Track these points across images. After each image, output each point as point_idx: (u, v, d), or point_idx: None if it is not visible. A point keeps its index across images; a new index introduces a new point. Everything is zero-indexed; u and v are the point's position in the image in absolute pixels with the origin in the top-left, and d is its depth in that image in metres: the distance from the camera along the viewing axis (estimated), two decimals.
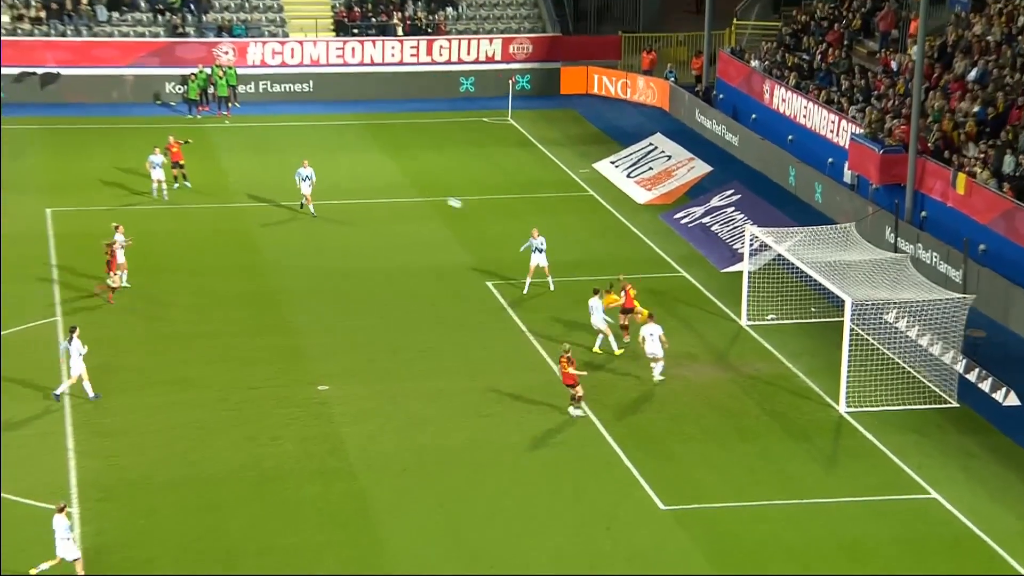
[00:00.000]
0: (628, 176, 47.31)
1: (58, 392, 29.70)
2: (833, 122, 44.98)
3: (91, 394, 29.82)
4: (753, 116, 50.40)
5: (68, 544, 23.38)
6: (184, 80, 53.76)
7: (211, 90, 53.25)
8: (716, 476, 27.64)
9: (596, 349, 32.87)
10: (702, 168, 46.98)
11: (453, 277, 37.89)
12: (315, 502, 26.23)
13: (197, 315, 34.84)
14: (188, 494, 26.25)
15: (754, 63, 51.31)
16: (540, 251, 36.03)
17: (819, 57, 48.68)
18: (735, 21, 57.70)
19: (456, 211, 40.89)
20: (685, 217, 43.03)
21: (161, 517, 25.45)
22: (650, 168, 47.59)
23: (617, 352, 32.73)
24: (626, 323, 33.19)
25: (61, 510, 23.54)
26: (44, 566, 23.36)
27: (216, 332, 33.86)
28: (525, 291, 36.25)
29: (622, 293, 33.28)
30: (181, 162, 43.47)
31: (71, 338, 29.79)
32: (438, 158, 49.47)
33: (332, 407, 30.10)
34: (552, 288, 36.36)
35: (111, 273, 34.85)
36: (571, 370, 29.68)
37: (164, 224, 40.24)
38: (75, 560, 23.37)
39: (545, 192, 45.86)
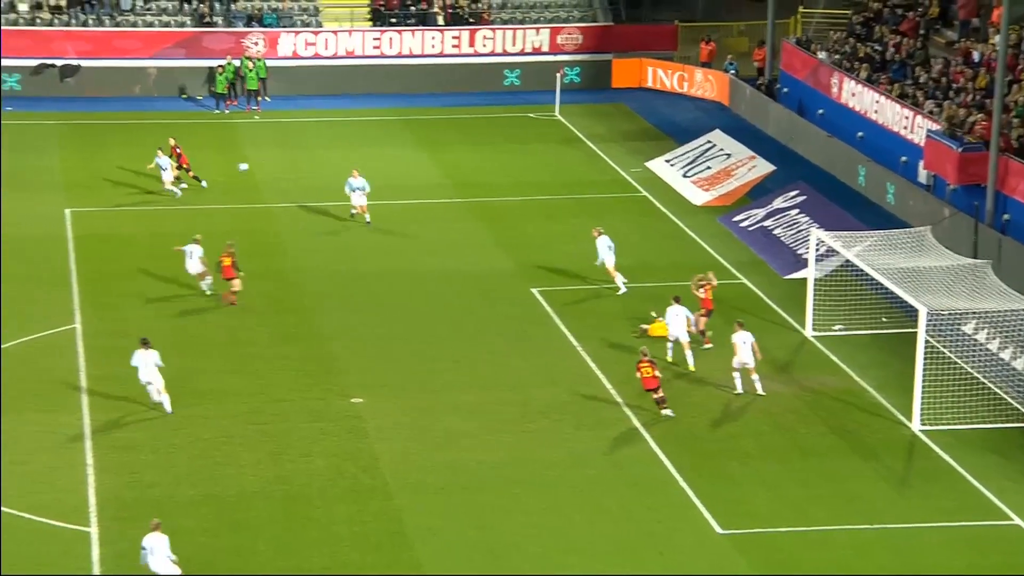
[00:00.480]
0: (684, 176, 47.29)
1: (168, 408, 30.05)
2: (907, 118, 44.77)
3: (160, 404, 30.14)
4: (820, 111, 50.23)
5: (169, 564, 23.53)
6: (211, 73, 54.27)
7: (239, 84, 53.69)
8: (777, 498, 27.58)
9: (669, 358, 32.88)
10: (764, 167, 46.87)
11: (494, 282, 38.04)
12: (348, 522, 26.40)
13: (223, 322, 35.14)
14: (213, 513, 26.50)
15: (821, 54, 51.15)
16: (607, 249, 36.58)
17: (893, 48, 48.48)
18: (801, 9, 57.54)
19: (243, 173, 40.21)
20: (745, 220, 42.96)
21: (185, 537, 25.63)
22: (708, 167, 47.55)
23: (692, 367, 32.67)
24: (703, 328, 33.40)
25: (157, 527, 23.71)
26: None
27: (243, 340, 34.16)
28: (623, 289, 36.79)
29: (701, 291, 33.54)
30: (186, 165, 43.84)
31: (145, 349, 30.01)
32: (479, 156, 49.66)
33: (366, 421, 30.30)
34: (623, 291, 36.75)
35: (231, 280, 35.33)
36: (657, 373, 30.04)
37: (187, 225, 40.57)
38: None
39: (594, 193, 45.91)
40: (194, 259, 36.08)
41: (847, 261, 34.83)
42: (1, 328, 32.30)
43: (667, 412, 30.45)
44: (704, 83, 57.20)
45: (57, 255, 39.05)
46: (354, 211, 41.49)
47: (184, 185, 43.78)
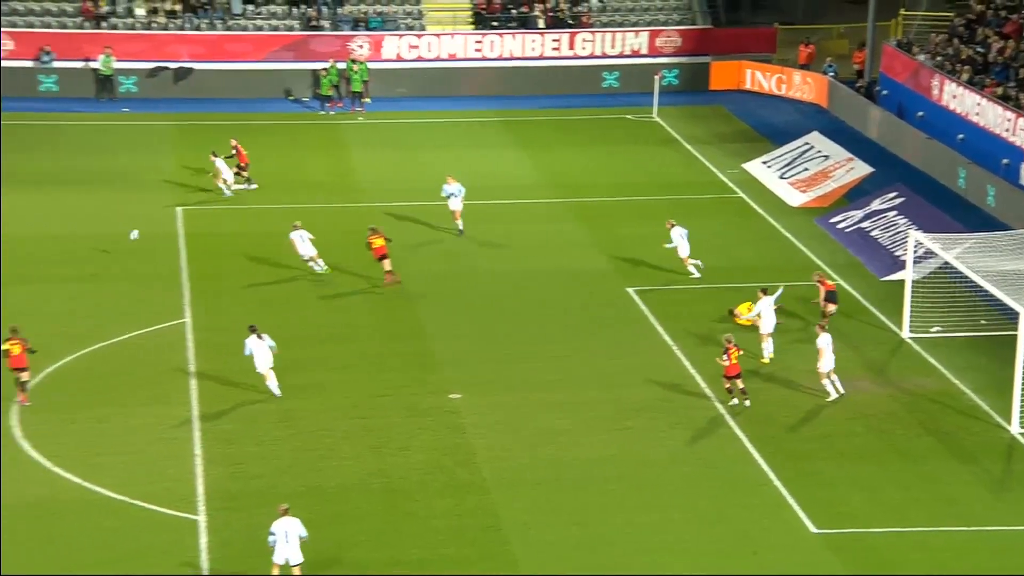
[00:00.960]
0: (781, 177, 46.76)
1: (276, 392, 30.59)
2: (1009, 120, 43.89)
3: (274, 390, 30.68)
4: (920, 113, 49.41)
5: (297, 551, 23.73)
6: (316, 76, 54.73)
7: (343, 86, 54.07)
8: (872, 499, 27.14)
9: (765, 360, 32.65)
10: (862, 169, 46.19)
11: (590, 282, 37.90)
12: (445, 516, 26.45)
13: (325, 319, 35.41)
14: (314, 504, 26.66)
15: (922, 57, 50.31)
16: (680, 239, 37.07)
17: (995, 50, 47.52)
18: (902, 12, 56.62)
19: (135, 241, 39.22)
20: (843, 221, 42.36)
21: None
22: (805, 169, 46.97)
23: (765, 360, 32.50)
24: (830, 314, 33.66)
25: (285, 512, 23.90)
26: None
27: (346, 336, 34.37)
28: (696, 274, 37.32)
29: (818, 286, 33.86)
30: (244, 163, 44.25)
31: (255, 336, 30.47)
32: (578, 157, 49.53)
33: (463, 417, 30.32)
34: (697, 275, 37.24)
35: (384, 259, 36.41)
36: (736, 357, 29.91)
37: (287, 223, 40.93)
38: (298, 564, 23.82)
39: (691, 194, 45.58)
40: (305, 242, 37.03)
41: (946, 263, 34.21)
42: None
43: (747, 403, 30.21)
44: (803, 85, 56.54)
45: (169, 252, 39.60)
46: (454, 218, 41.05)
47: (244, 186, 43.76)
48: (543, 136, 51.85)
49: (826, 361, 30.74)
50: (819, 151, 48.00)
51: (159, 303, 35.94)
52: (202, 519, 26.14)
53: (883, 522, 26.29)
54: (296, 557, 23.83)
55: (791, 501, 26.97)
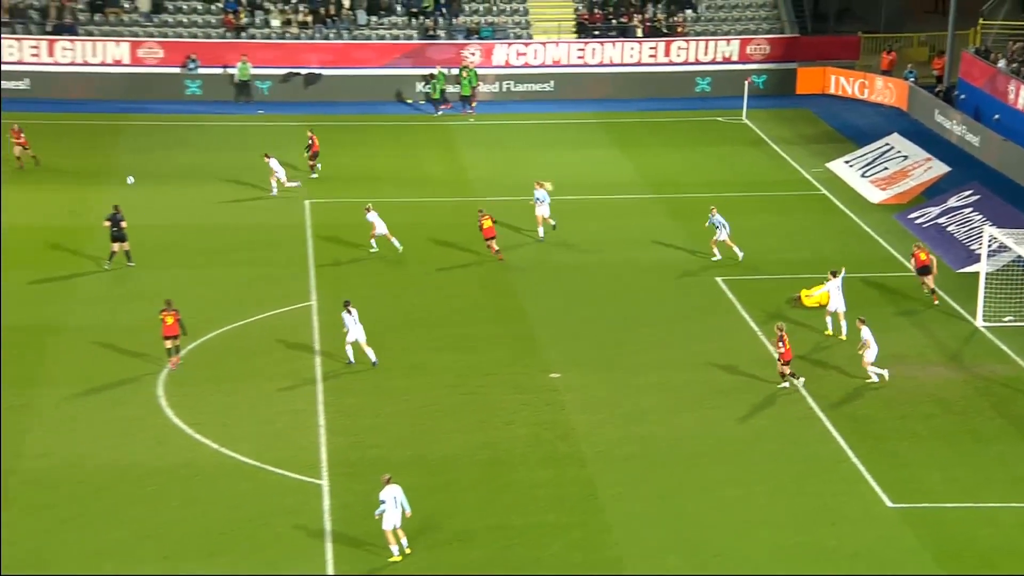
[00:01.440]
0: (862, 176, 45.98)
1: (373, 359, 31.20)
2: None
3: (372, 359, 31.20)
4: (996, 116, 48.28)
5: (402, 515, 23.96)
6: (427, 80, 54.99)
7: (448, 89, 54.24)
8: (945, 476, 26.67)
9: (828, 332, 32.42)
10: (940, 168, 45.24)
11: (683, 272, 37.62)
12: (545, 486, 26.47)
13: (437, 302, 35.58)
14: (425, 473, 26.85)
15: (1000, 63, 49.12)
16: (720, 227, 37.36)
17: None
18: (981, 21, 55.34)
19: (130, 185, 39.63)
20: (920, 217, 41.55)
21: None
22: (885, 168, 46.14)
23: (843, 337, 32.15)
24: (930, 286, 33.81)
25: (389, 481, 24.08)
26: (395, 549, 23.99)
27: (455, 320, 34.52)
28: (718, 257, 37.66)
29: (912, 260, 34.12)
30: (315, 152, 44.91)
31: (348, 311, 31.00)
32: (671, 156, 49.19)
33: (563, 395, 30.30)
34: (737, 256, 37.39)
35: (491, 241, 37.39)
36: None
37: (409, 216, 41.18)
38: (397, 528, 24.06)
39: (777, 191, 45.05)
40: (379, 222, 37.92)
41: (1019, 257, 33.43)
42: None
43: (798, 382, 29.89)
44: (884, 90, 55.53)
45: (297, 241, 40.06)
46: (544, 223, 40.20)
47: (295, 183, 43.96)
48: (639, 137, 51.55)
49: (871, 352, 30.18)
50: (899, 151, 47.12)
51: (288, 287, 36.37)
52: (325, 484, 26.45)
53: (955, 498, 25.83)
54: (398, 520, 23.98)
55: (868, 477, 26.59)
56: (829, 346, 32.32)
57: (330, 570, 23.84)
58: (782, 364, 29.96)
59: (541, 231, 39.70)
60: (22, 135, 45.56)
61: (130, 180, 40.11)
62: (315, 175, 45.17)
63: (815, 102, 56.09)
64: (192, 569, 23.77)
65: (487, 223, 37.39)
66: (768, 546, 24.44)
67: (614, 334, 33.62)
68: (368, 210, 38.37)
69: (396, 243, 38.24)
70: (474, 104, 54.34)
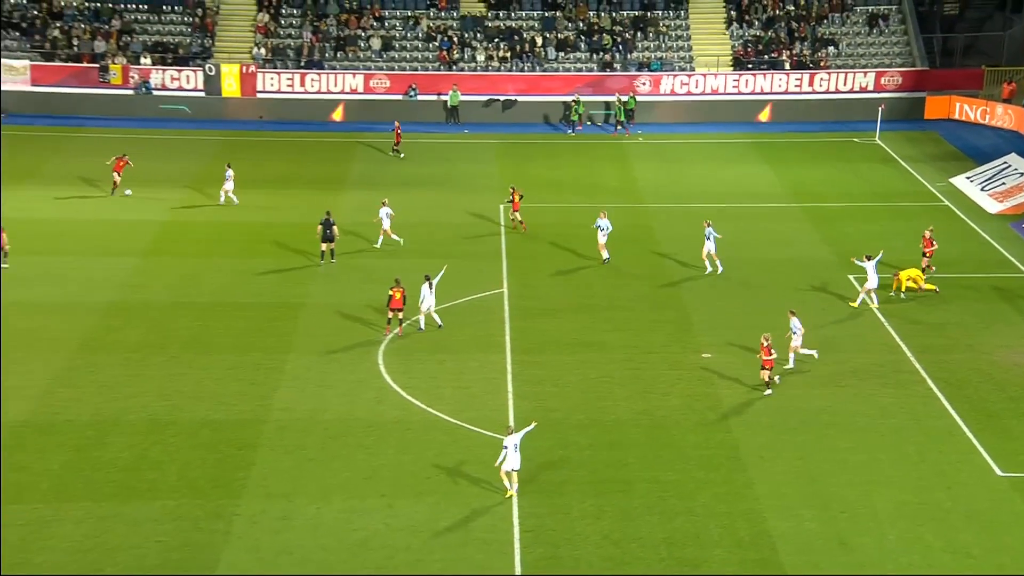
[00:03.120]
0: (982, 190, 44.15)
1: (439, 322, 31.86)
2: None
3: (438, 322, 31.83)
4: None
5: (519, 458, 24.29)
6: (611, 105, 54.92)
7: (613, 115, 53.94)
8: None
9: (854, 304, 32.75)
10: None
11: (819, 270, 36.78)
12: (696, 447, 26.33)
13: (608, 292, 35.58)
14: (596, 433, 26.97)
15: None
16: (710, 238, 35.89)
17: None
18: None
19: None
20: None
21: (575, 449, 26.27)
22: (1003, 183, 44.19)
23: (875, 306, 32.28)
24: None
25: (511, 431, 24.48)
26: (510, 486, 24.40)
27: (623, 306, 34.46)
28: (712, 271, 35.89)
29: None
30: (398, 141, 46.67)
31: (429, 284, 31.64)
32: (812, 171, 48.07)
33: (712, 372, 29.99)
34: (717, 269, 35.91)
35: (516, 213, 38.74)
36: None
37: (588, 217, 41.20)
38: (516, 470, 24.35)
39: (904, 202, 43.66)
40: (386, 218, 37.70)
41: None
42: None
43: (772, 388, 28.37)
44: (1004, 115, 53.08)
45: (493, 237, 40.53)
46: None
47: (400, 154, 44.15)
48: (784, 155, 50.51)
49: (797, 339, 29.02)
50: (1015, 169, 45.08)
51: (485, 276, 36.82)
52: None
53: None
54: (517, 464, 24.15)
55: (980, 449, 25.69)
56: (952, 335, 31.12)
57: (515, 509, 24.15)
58: (764, 370, 28.62)
59: (606, 253, 37.23)
60: (126, 159, 42.39)
61: (127, 192, 42.07)
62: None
63: (941, 126, 54.02)
64: (403, 507, 24.36)
65: (516, 198, 39.03)
66: (890, 504, 23.82)
67: (758, 320, 33.01)
68: (383, 204, 38.28)
69: (398, 238, 38.08)
70: (631, 125, 53.90)
